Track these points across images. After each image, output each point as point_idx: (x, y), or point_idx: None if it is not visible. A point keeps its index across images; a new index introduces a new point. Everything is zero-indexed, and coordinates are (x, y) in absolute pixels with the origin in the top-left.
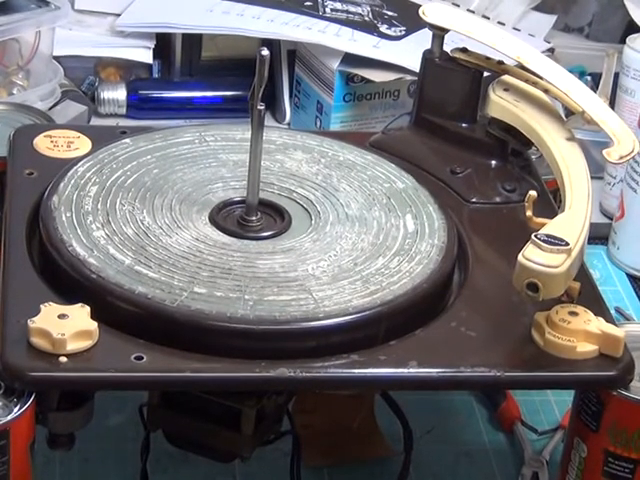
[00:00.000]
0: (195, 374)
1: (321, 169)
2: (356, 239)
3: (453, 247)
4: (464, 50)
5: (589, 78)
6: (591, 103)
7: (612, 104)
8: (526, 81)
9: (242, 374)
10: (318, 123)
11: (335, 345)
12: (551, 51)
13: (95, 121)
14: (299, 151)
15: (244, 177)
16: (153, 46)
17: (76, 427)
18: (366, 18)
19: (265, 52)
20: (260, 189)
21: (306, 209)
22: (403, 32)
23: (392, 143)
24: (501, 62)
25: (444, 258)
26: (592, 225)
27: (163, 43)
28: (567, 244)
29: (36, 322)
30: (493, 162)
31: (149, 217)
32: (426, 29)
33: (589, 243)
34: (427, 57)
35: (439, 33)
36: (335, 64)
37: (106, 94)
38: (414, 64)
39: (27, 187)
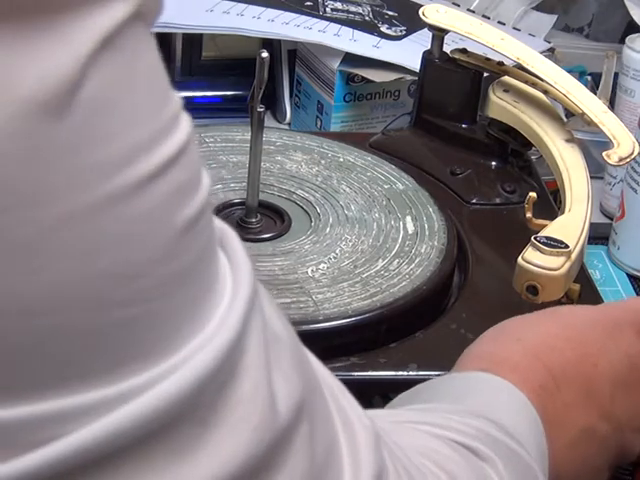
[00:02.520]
0: None
1: (321, 170)
2: (356, 241)
3: (453, 249)
4: (464, 51)
5: (589, 78)
6: (591, 105)
7: (612, 104)
8: (526, 82)
9: None
10: (319, 123)
11: (335, 348)
12: (551, 51)
13: None
14: (299, 152)
15: (244, 179)
16: None
17: None
18: (366, 18)
19: (265, 54)
20: (260, 191)
21: (306, 211)
22: (403, 32)
23: (392, 144)
24: (501, 63)
25: (444, 260)
26: (592, 225)
27: (163, 43)
28: (567, 246)
29: None
30: (493, 163)
31: None
32: (426, 29)
33: (589, 243)
34: (427, 58)
35: (439, 34)
36: (335, 64)
37: None
38: (414, 64)
39: None
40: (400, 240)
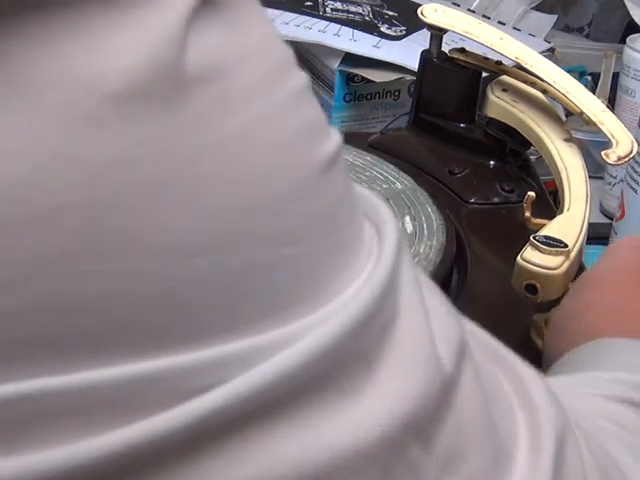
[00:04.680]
0: None
1: None
2: None
3: (452, 248)
4: (462, 50)
5: (589, 78)
6: (589, 104)
7: (612, 104)
8: (524, 81)
9: None
10: None
11: None
12: (551, 51)
13: None
14: None
15: None
16: None
17: None
18: (366, 18)
19: None
20: None
21: None
22: (404, 32)
23: (391, 143)
24: (499, 62)
25: (443, 260)
26: (592, 225)
27: None
28: (566, 246)
29: None
30: (492, 162)
31: None
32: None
33: (589, 243)
34: (425, 57)
35: (437, 33)
36: (335, 64)
37: None
38: (414, 64)
39: None
40: None
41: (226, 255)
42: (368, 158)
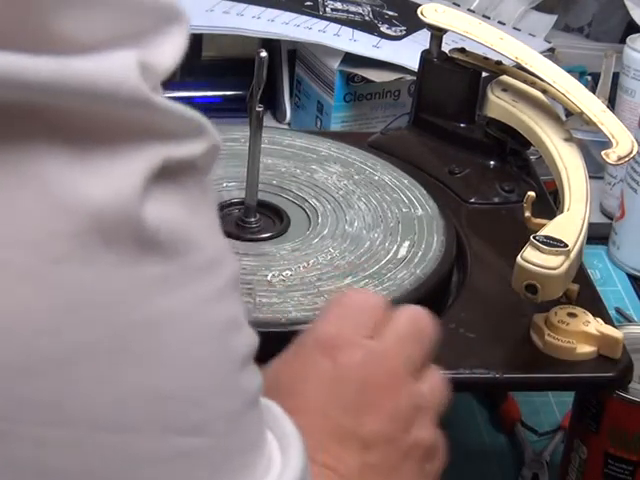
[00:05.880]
0: None
1: (348, 185)
2: (337, 256)
3: (452, 249)
4: (462, 50)
5: (589, 78)
6: (589, 104)
7: (612, 104)
8: (524, 81)
9: None
10: (318, 123)
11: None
12: (551, 51)
13: None
14: (338, 165)
15: (262, 178)
16: None
17: None
18: (366, 18)
19: (263, 54)
20: (277, 194)
21: (310, 220)
22: (403, 32)
23: (391, 143)
24: (499, 62)
25: (442, 260)
26: (592, 225)
27: None
28: (566, 245)
29: None
30: (492, 162)
31: None
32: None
33: (589, 243)
34: (425, 57)
35: (437, 33)
36: (335, 64)
37: None
38: (414, 64)
39: None
40: (382, 263)
41: (135, 435)
42: (405, 181)
